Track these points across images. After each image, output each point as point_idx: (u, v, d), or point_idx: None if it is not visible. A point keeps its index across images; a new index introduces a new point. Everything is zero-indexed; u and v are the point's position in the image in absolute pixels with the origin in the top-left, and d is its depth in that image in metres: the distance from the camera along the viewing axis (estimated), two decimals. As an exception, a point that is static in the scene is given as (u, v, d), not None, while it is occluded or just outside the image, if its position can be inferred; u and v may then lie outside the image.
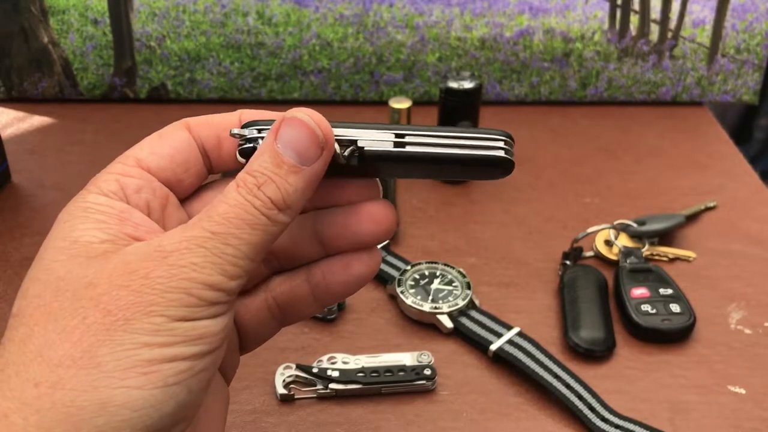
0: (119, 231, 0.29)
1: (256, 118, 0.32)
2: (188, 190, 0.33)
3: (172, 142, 0.32)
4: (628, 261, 0.56)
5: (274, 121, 0.31)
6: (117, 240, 0.29)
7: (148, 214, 0.31)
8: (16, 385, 0.26)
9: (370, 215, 0.32)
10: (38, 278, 0.28)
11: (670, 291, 0.54)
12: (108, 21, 0.74)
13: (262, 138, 0.31)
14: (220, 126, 0.33)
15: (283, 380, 0.47)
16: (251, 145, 0.31)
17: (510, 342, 0.49)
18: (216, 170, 0.34)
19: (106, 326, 0.26)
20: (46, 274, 0.28)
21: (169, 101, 0.78)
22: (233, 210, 0.29)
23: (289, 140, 0.30)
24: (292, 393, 0.46)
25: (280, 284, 0.34)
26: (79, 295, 0.27)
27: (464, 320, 0.51)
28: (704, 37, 0.77)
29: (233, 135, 0.32)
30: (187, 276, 0.27)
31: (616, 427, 0.45)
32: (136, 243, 0.29)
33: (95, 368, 0.26)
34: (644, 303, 0.52)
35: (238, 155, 0.31)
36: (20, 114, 0.76)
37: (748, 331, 0.53)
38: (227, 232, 0.28)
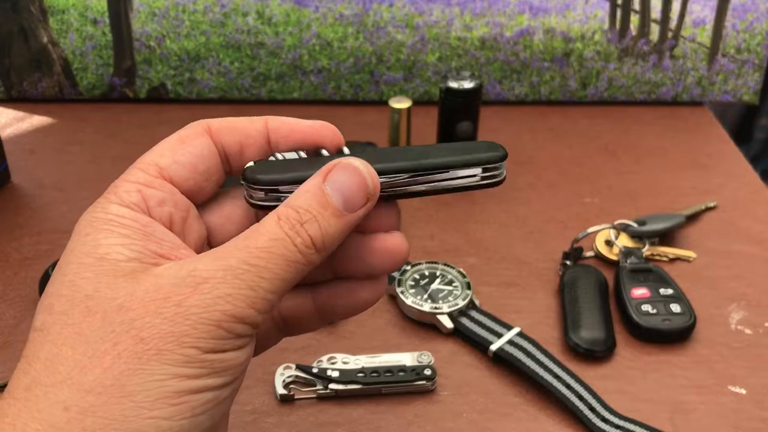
0: (144, 248, 0.29)
1: (284, 126, 0.32)
2: (207, 196, 0.33)
3: (194, 149, 0.32)
4: (628, 261, 0.56)
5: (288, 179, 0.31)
6: (143, 258, 0.29)
7: (170, 227, 0.31)
8: (44, 407, 0.26)
9: (385, 248, 0.32)
10: (63, 294, 0.28)
11: (670, 291, 0.54)
12: (108, 21, 0.74)
13: (279, 200, 0.31)
14: (244, 132, 0.32)
15: (283, 380, 0.47)
16: (265, 204, 0.31)
17: (510, 342, 0.49)
18: (235, 173, 0.33)
19: (138, 355, 0.26)
20: (71, 290, 0.28)
21: (169, 101, 0.78)
22: (273, 244, 0.29)
23: (339, 184, 0.30)
24: (292, 393, 0.46)
25: (287, 300, 0.34)
26: (110, 319, 0.27)
27: (464, 320, 0.51)
28: (704, 37, 0.77)
29: (246, 189, 0.32)
30: (221, 308, 0.27)
31: (617, 427, 0.45)
32: (165, 264, 0.29)
33: (126, 397, 0.26)
34: (644, 303, 0.52)
35: (246, 198, 0.32)
36: (20, 114, 0.76)
37: (748, 331, 0.53)
38: (264, 266, 0.28)
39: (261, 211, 0.32)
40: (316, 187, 0.30)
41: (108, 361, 0.26)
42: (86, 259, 0.28)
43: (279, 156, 0.32)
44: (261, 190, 0.32)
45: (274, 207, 0.31)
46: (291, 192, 0.31)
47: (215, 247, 0.33)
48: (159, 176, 0.31)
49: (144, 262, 0.28)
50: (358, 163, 0.30)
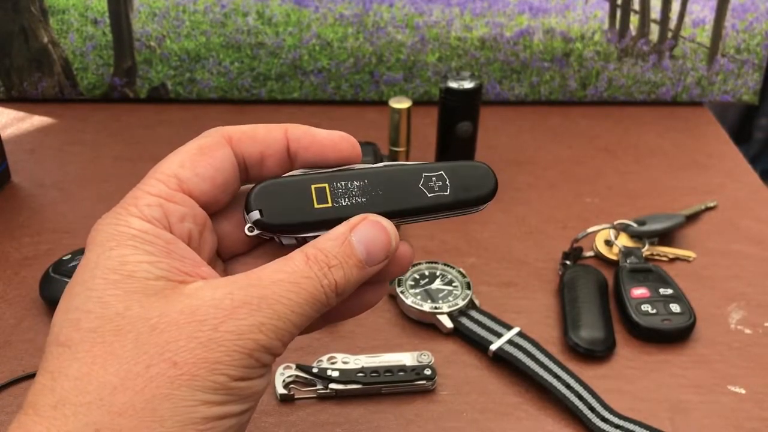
0: (170, 266, 0.29)
1: (305, 137, 0.33)
2: (221, 207, 0.33)
3: (214, 162, 0.32)
4: (628, 261, 0.56)
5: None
6: (170, 276, 0.29)
7: (188, 242, 0.31)
8: (74, 428, 0.26)
9: (395, 258, 0.33)
10: (91, 310, 0.28)
11: (670, 291, 0.54)
12: (108, 21, 0.74)
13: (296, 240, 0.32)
14: (265, 143, 0.32)
15: (283, 380, 0.47)
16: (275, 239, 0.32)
17: (510, 342, 0.49)
18: (251, 182, 0.34)
19: (171, 380, 0.27)
20: (101, 307, 0.28)
21: (169, 101, 0.78)
22: (304, 281, 0.29)
23: (365, 239, 0.31)
24: (292, 393, 0.46)
25: None
26: (143, 340, 0.27)
27: (464, 320, 0.51)
28: (704, 37, 0.77)
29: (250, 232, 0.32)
30: (254, 337, 0.28)
31: (616, 427, 0.45)
32: (192, 282, 0.29)
33: (157, 422, 0.26)
34: (644, 303, 0.52)
35: (247, 231, 0.32)
36: (20, 114, 0.76)
37: (748, 331, 0.53)
38: (295, 300, 0.29)
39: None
40: (343, 236, 0.31)
41: (140, 384, 0.26)
42: (113, 276, 0.28)
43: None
44: (269, 235, 0.33)
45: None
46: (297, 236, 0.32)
47: (224, 255, 0.34)
48: (179, 189, 0.31)
49: (171, 281, 0.29)
50: (385, 222, 0.32)
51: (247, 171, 0.33)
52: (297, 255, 0.30)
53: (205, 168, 0.31)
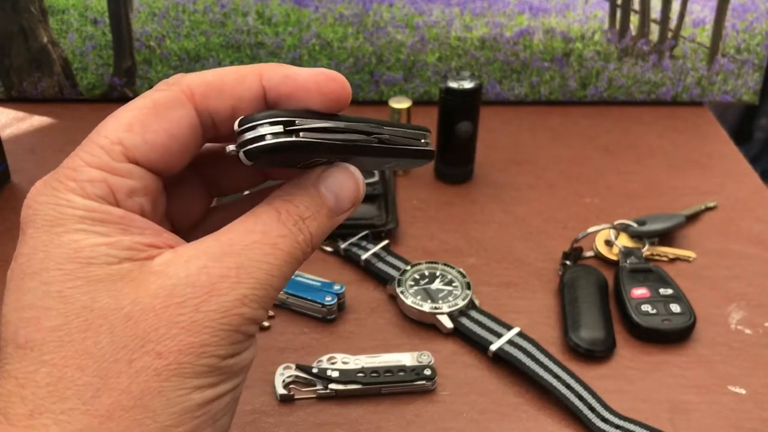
0: (131, 242, 0.26)
1: (284, 82, 0.28)
2: (176, 173, 0.29)
3: (169, 126, 0.27)
4: (628, 261, 0.56)
5: (276, 114, 0.26)
6: (134, 256, 0.26)
7: (141, 214, 0.28)
8: None
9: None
10: (52, 307, 0.25)
11: (670, 291, 0.54)
12: (108, 21, 0.74)
13: (274, 132, 0.26)
14: (236, 95, 0.28)
15: (283, 380, 0.47)
16: (261, 144, 0.26)
17: (510, 342, 0.49)
18: (221, 139, 0.30)
19: (158, 372, 0.25)
20: (62, 303, 0.25)
21: (169, 101, 0.78)
22: (280, 241, 0.27)
23: (334, 185, 0.29)
24: (291, 393, 0.46)
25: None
26: (119, 333, 0.25)
27: (464, 320, 0.51)
28: (704, 37, 0.77)
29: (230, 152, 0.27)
30: (239, 311, 0.26)
31: (616, 427, 0.45)
32: (160, 255, 0.26)
33: (150, 418, 0.25)
34: (644, 303, 0.52)
35: (242, 156, 0.27)
36: (20, 114, 0.76)
37: (748, 331, 0.53)
38: (273, 263, 0.27)
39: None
40: (312, 184, 0.29)
41: (125, 382, 0.24)
42: (69, 265, 0.25)
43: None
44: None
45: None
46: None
47: (170, 212, 0.31)
48: (124, 159, 0.27)
49: (136, 260, 0.26)
50: (353, 169, 0.30)
51: (215, 127, 0.29)
52: (267, 211, 0.28)
53: (157, 133, 0.27)
